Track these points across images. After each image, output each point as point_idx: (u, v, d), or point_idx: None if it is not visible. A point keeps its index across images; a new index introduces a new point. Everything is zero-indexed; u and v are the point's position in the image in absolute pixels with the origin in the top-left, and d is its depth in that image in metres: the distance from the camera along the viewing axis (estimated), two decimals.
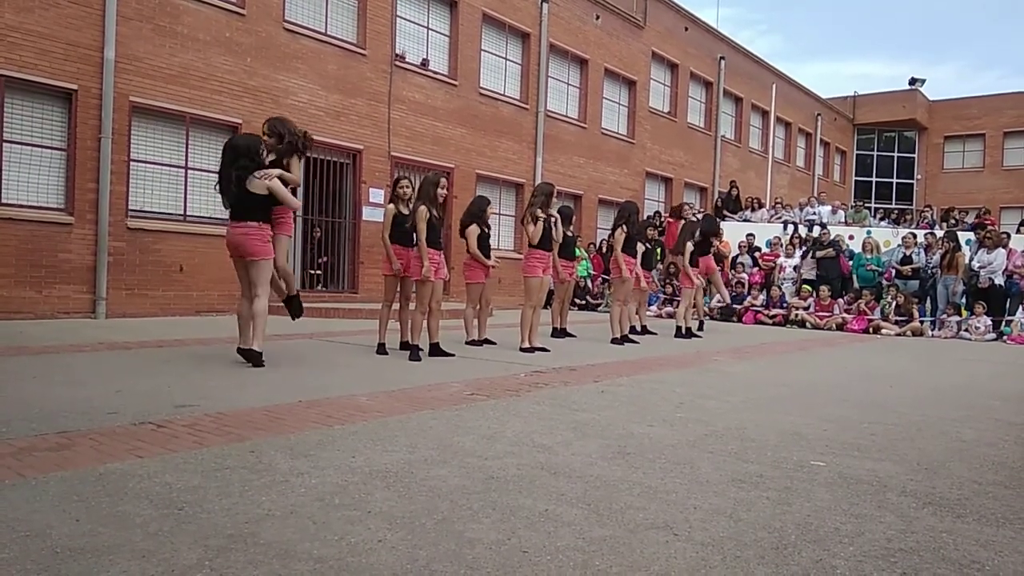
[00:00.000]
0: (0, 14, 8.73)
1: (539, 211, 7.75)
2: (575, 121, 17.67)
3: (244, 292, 5.87)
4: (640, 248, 9.36)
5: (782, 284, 14.34)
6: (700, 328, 11.08)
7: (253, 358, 5.72)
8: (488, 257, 7.91)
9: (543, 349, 7.69)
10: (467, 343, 7.99)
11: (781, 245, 15.40)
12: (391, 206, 7.17)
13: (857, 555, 2.32)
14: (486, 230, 7.90)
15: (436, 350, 6.90)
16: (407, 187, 7.21)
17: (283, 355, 6.01)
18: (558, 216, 8.17)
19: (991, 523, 2.68)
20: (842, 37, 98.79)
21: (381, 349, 7.05)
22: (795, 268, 14.64)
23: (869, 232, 15.29)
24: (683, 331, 10.17)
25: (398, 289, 7.28)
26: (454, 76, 14.51)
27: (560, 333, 9.32)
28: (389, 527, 2.40)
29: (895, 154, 32.07)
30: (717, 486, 3.00)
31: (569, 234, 8.92)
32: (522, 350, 7.57)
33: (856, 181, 31.97)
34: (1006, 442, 4.10)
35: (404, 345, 7.26)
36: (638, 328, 10.27)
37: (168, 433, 3.55)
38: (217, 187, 5.96)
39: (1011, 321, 12.19)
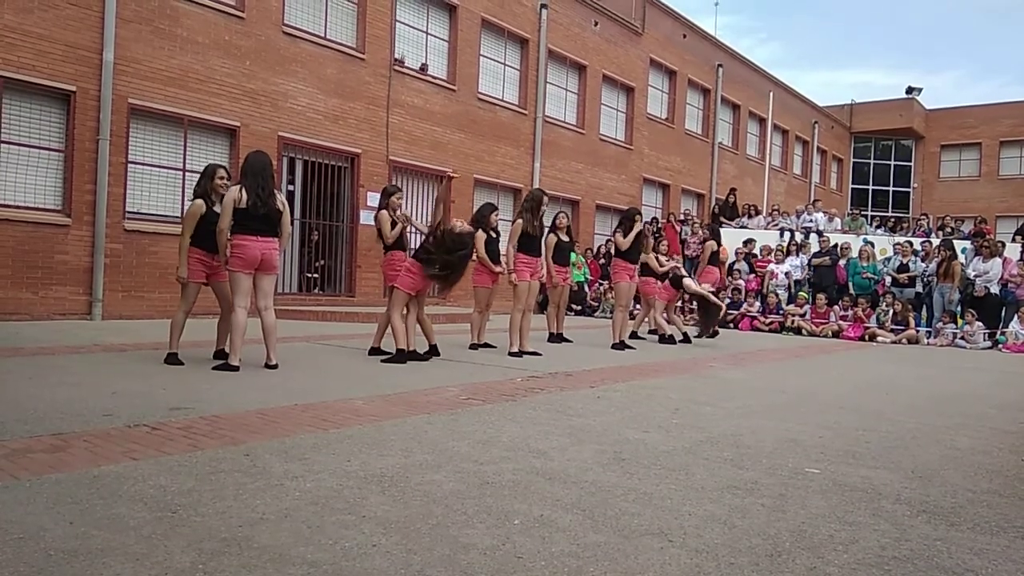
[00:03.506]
0: None
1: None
2: (573, 127, 17.70)
3: (240, 303, 5.79)
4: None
5: (775, 291, 14.30)
6: (631, 337, 10.65)
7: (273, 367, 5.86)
8: (496, 263, 8.02)
9: (535, 353, 7.70)
10: (471, 347, 8.05)
11: (771, 252, 15.41)
12: (384, 212, 7.23)
13: (851, 563, 2.32)
14: (493, 235, 7.98)
15: (434, 351, 7.02)
16: (400, 199, 7.45)
17: (279, 358, 5.99)
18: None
19: (985, 531, 2.69)
20: (842, 46, 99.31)
21: (415, 355, 6.85)
22: (786, 274, 14.65)
23: (866, 240, 15.32)
24: (686, 336, 10.25)
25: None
26: (453, 81, 14.54)
27: (556, 338, 9.32)
28: (384, 532, 2.40)
29: (892, 162, 32.19)
30: (712, 492, 3.00)
31: (565, 239, 8.94)
32: (511, 354, 7.58)
33: (853, 189, 32.06)
34: (1001, 450, 4.10)
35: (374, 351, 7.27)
36: (639, 334, 10.30)
37: (163, 436, 3.54)
38: (259, 199, 5.70)
39: (1006, 330, 12.22)
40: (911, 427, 4.66)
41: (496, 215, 8.17)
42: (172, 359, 5.96)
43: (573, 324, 12.42)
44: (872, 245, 15.00)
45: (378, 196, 12.60)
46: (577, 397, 5.23)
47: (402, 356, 6.63)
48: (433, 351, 7.05)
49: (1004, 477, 3.51)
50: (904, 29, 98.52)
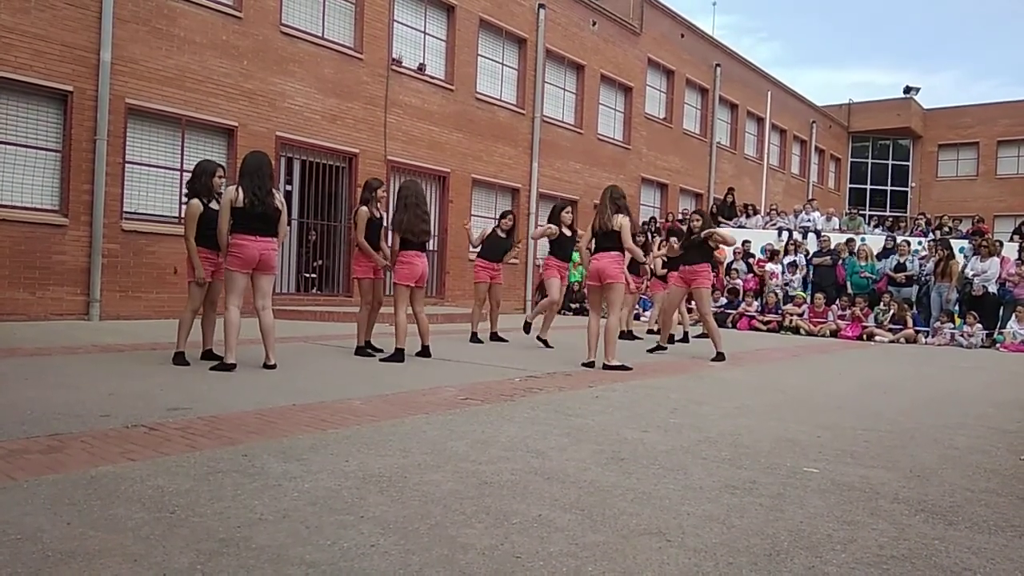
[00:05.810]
0: None
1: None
2: (571, 127, 17.70)
3: (233, 302, 5.78)
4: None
5: (774, 290, 14.28)
6: (685, 338, 10.86)
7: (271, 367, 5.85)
8: (568, 260, 8.98)
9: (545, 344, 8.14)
10: (471, 340, 8.47)
11: (773, 253, 15.40)
12: (364, 209, 7.16)
13: (849, 562, 2.32)
14: (568, 233, 8.64)
15: (426, 352, 7.07)
16: (384, 192, 7.53)
17: (277, 358, 5.99)
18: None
19: (983, 530, 2.69)
20: (842, 45, 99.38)
21: (364, 350, 7.12)
22: (782, 274, 14.65)
23: (864, 239, 15.33)
24: (685, 336, 10.29)
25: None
26: (450, 81, 14.53)
27: (495, 337, 9.14)
28: (382, 532, 2.39)
29: (889, 162, 32.23)
30: (710, 492, 3.00)
31: (568, 233, 8.99)
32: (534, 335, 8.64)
33: (851, 188, 32.10)
34: (999, 449, 4.11)
35: (361, 350, 7.27)
36: (635, 334, 10.32)
37: (160, 436, 3.54)
38: (256, 198, 5.67)
39: (1004, 329, 12.24)
40: (909, 426, 4.66)
41: (568, 212, 8.72)
42: (179, 359, 5.97)
43: (571, 324, 12.40)
44: (863, 240, 15.02)
45: None
46: (575, 397, 5.23)
47: (400, 355, 6.64)
48: (424, 352, 7.01)
49: (1002, 476, 3.52)
50: (902, 29, 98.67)
